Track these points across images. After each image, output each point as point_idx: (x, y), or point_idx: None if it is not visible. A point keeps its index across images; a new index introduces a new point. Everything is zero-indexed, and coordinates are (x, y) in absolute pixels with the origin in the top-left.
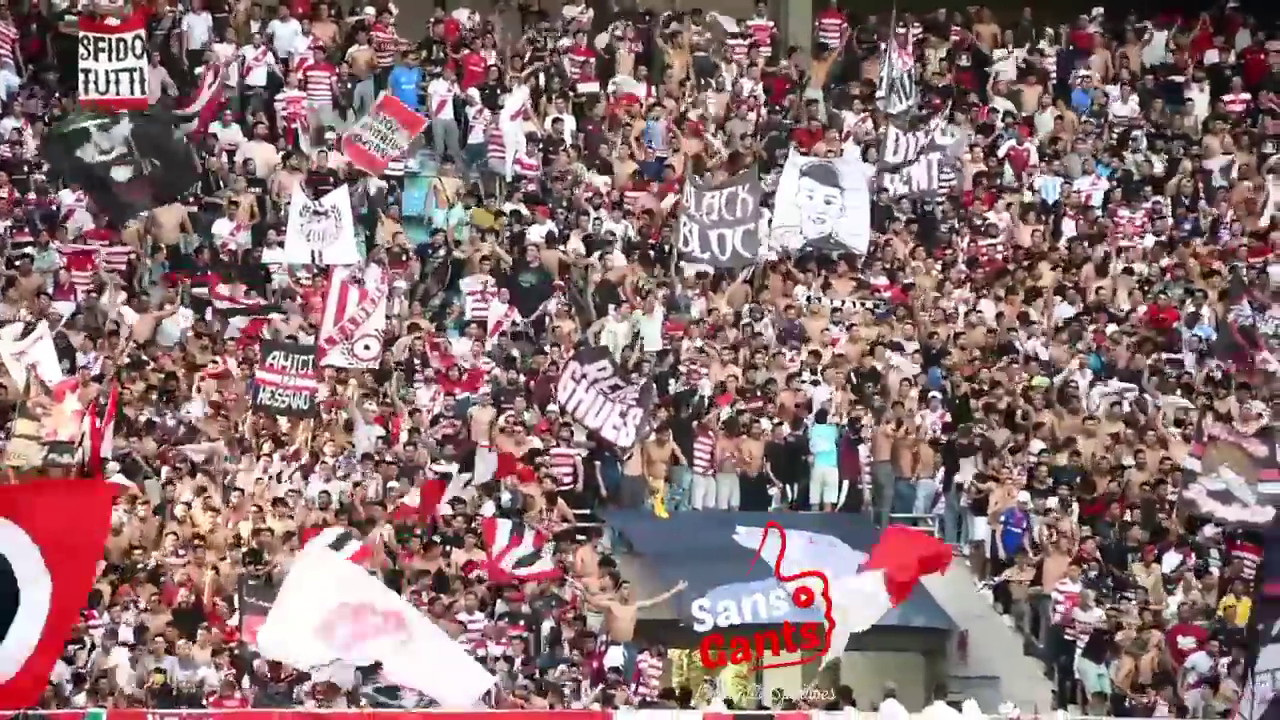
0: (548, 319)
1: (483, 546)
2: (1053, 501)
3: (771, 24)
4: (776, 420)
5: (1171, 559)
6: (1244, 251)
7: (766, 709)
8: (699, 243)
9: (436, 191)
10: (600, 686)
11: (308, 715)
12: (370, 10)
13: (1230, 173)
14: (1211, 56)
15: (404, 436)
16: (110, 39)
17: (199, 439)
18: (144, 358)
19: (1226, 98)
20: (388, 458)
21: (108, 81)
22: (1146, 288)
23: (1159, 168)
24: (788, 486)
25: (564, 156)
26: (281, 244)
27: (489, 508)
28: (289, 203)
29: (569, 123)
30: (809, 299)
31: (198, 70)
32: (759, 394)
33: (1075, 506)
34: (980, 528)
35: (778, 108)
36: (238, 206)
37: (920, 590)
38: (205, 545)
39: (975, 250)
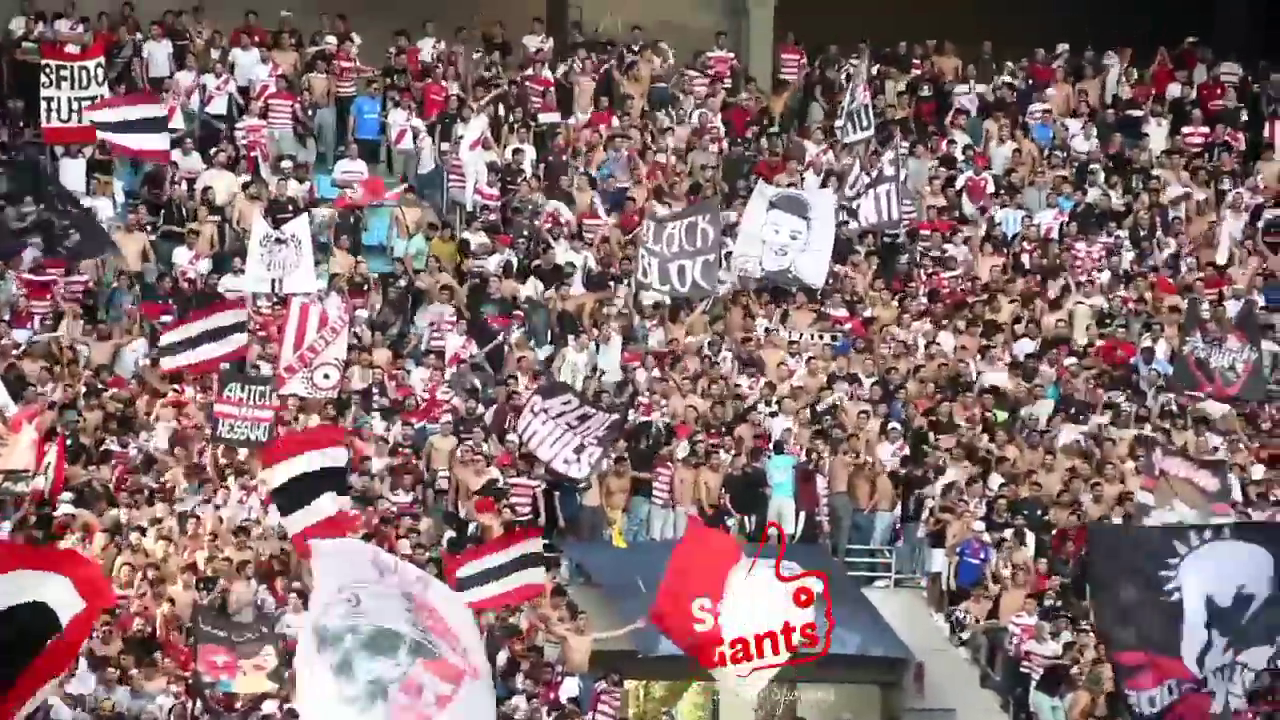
0: (507, 348)
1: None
2: (1010, 534)
3: (731, 55)
4: (734, 452)
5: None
6: (1200, 285)
7: None
8: (658, 275)
9: (397, 221)
10: (556, 717)
11: None
12: (331, 39)
13: (1187, 206)
14: (1173, 90)
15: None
16: (72, 67)
17: (157, 468)
18: (101, 386)
19: (1186, 130)
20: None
21: (69, 110)
22: (1104, 321)
23: (1117, 201)
24: (745, 518)
25: (524, 186)
26: (242, 272)
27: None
28: (249, 231)
29: (529, 153)
30: (767, 330)
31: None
32: (719, 427)
33: (1032, 539)
34: (937, 560)
35: (738, 140)
36: (198, 235)
37: (877, 621)
38: (160, 575)
39: (935, 283)
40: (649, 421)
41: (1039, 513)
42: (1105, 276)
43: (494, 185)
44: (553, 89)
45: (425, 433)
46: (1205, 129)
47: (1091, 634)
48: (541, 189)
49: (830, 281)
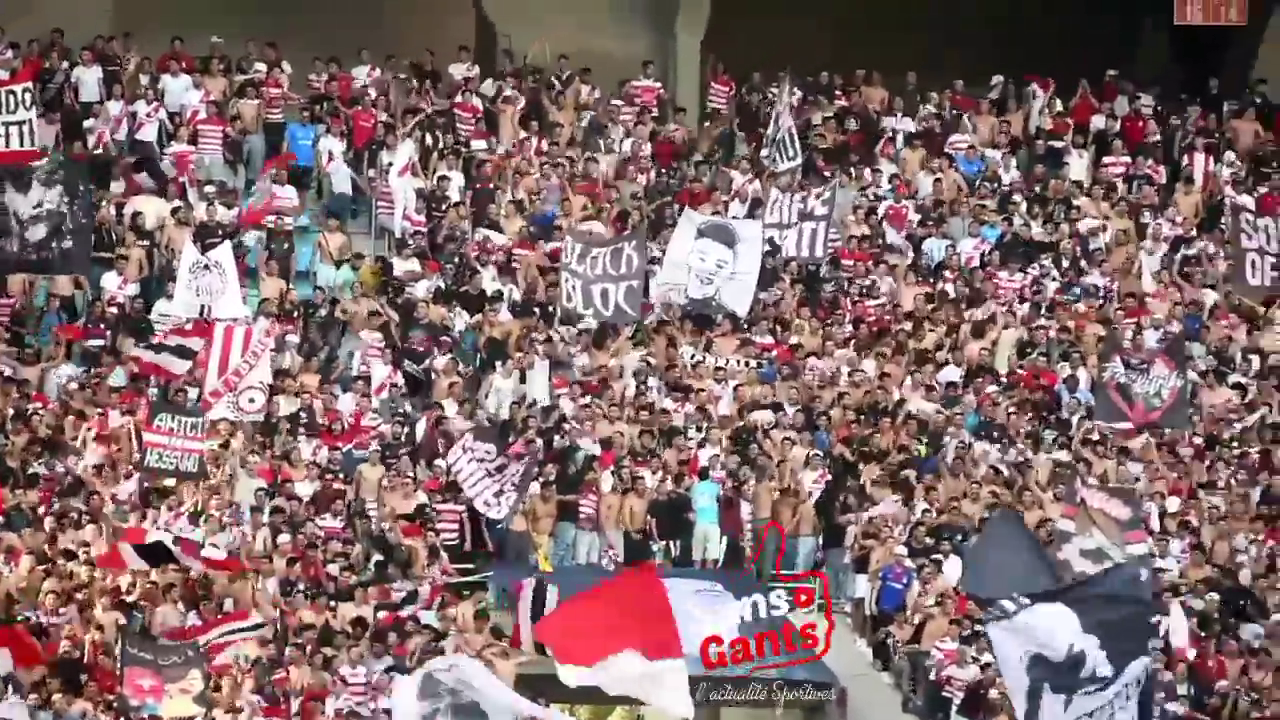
0: (433, 375)
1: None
2: (931, 560)
3: (658, 85)
4: (660, 477)
5: None
6: (1121, 315)
7: None
8: (581, 298)
9: (320, 248)
10: None
11: None
12: (261, 66)
13: (1107, 237)
14: (1096, 122)
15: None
16: (0, 91)
17: (85, 490)
18: (28, 409)
19: (1107, 160)
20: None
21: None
22: (1025, 351)
23: (1039, 231)
24: (670, 543)
25: (452, 213)
26: (170, 297)
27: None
28: (179, 258)
29: (456, 179)
30: (694, 357)
31: (87, 123)
32: (644, 453)
33: (955, 564)
34: (860, 585)
35: (665, 169)
36: (127, 260)
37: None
38: (86, 598)
39: (860, 311)
40: (575, 447)
41: (960, 538)
42: (1026, 308)
43: (422, 212)
44: (482, 116)
45: (353, 458)
46: (1126, 159)
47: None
48: (469, 216)
49: (756, 309)
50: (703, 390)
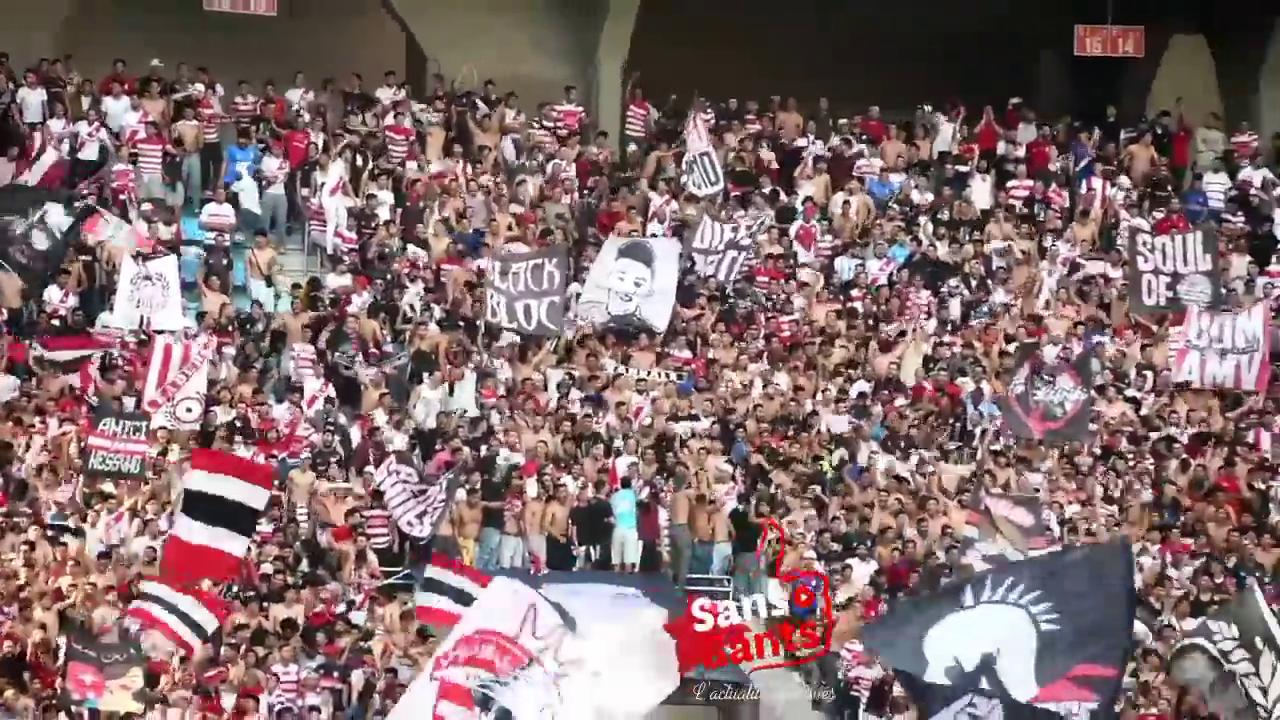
0: (364, 386)
1: (300, 600)
2: (840, 565)
3: (580, 109)
4: (582, 484)
5: None
6: (1023, 333)
7: None
8: (505, 312)
9: (250, 264)
10: None
11: None
12: (199, 87)
13: (1009, 258)
14: (1001, 148)
15: None
16: None
17: (29, 495)
18: None
19: (1011, 184)
20: None
21: None
22: (931, 365)
23: (945, 252)
24: (590, 548)
25: (381, 231)
26: (111, 308)
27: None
28: (119, 269)
29: (385, 198)
30: (615, 370)
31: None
32: (566, 461)
33: (864, 568)
34: (773, 590)
35: (585, 190)
36: (68, 274)
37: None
38: (27, 599)
39: (774, 327)
40: (501, 453)
41: (867, 545)
42: (935, 322)
43: (353, 229)
44: (411, 137)
45: (287, 466)
46: (1029, 184)
47: None
48: (398, 234)
49: (675, 323)
50: (623, 402)
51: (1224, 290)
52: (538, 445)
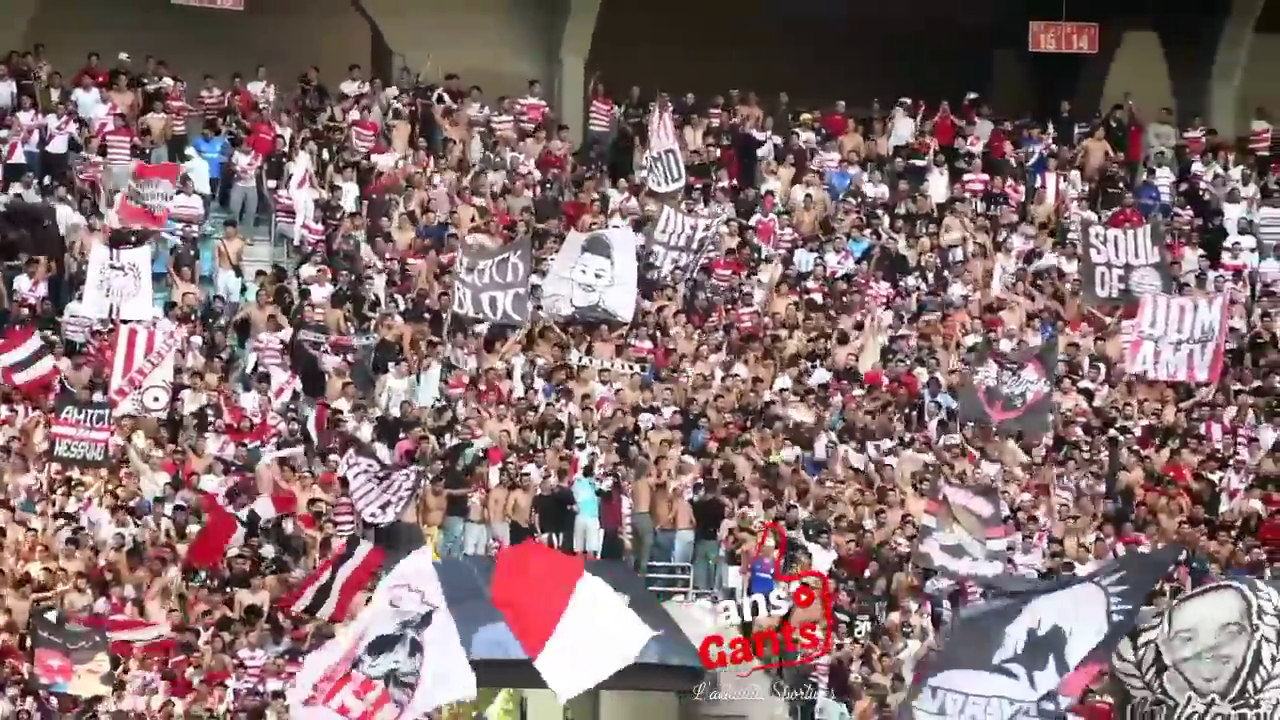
0: (326, 376)
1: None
2: (813, 548)
3: (543, 103)
4: (545, 472)
5: (911, 607)
6: (979, 325)
7: None
8: (472, 303)
9: (219, 254)
10: None
11: None
12: (168, 80)
13: (965, 250)
14: (958, 142)
15: (196, 481)
16: None
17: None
18: None
19: (967, 177)
20: (179, 502)
21: None
22: (889, 356)
23: (903, 245)
24: (553, 535)
25: (347, 223)
26: (80, 298)
27: (269, 550)
28: (88, 261)
29: (350, 190)
30: (579, 361)
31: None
32: (529, 450)
33: (824, 556)
34: (732, 576)
35: (548, 183)
36: (38, 264)
37: (677, 633)
38: None
39: (734, 318)
40: (465, 444)
41: (825, 533)
42: (890, 316)
43: (319, 221)
44: (380, 132)
45: (257, 454)
46: (984, 177)
47: (859, 644)
48: (364, 226)
49: (637, 315)
50: (588, 394)
51: (1175, 283)
52: (501, 435)
